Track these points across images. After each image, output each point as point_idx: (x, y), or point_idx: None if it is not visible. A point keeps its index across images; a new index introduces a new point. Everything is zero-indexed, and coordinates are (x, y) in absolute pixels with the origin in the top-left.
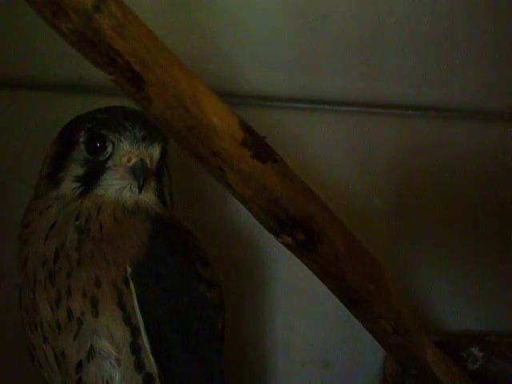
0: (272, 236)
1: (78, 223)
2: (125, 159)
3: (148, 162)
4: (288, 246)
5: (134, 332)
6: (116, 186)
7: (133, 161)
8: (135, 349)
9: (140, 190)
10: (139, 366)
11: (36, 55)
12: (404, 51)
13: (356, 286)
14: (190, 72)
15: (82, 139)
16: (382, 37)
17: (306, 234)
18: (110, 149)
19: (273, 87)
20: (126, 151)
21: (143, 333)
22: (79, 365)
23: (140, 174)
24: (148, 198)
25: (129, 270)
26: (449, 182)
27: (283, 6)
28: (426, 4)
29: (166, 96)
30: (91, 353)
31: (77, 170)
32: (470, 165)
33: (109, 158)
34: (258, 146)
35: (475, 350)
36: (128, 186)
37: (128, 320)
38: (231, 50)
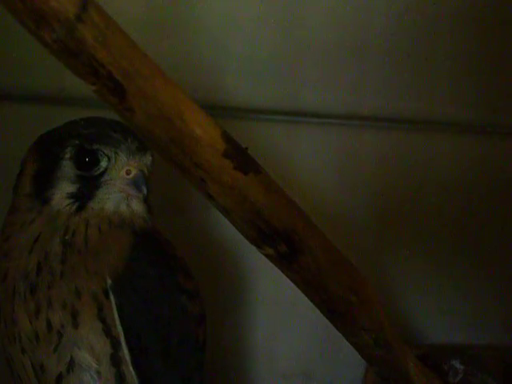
0: (254, 247)
1: (67, 238)
2: (123, 172)
3: (146, 171)
4: (270, 257)
5: (115, 344)
6: (114, 200)
7: (133, 173)
8: (116, 361)
9: (145, 201)
10: (120, 378)
11: (16, 67)
12: (387, 64)
13: (338, 297)
14: (172, 83)
15: (68, 156)
16: (365, 49)
17: (288, 245)
18: (104, 163)
19: (255, 99)
20: (124, 164)
21: (123, 345)
22: (59, 377)
23: (142, 185)
24: (141, 208)
25: (109, 281)
26: (431, 194)
27: (266, 18)
28: (408, 16)
29: (148, 107)
30: (71, 365)
31: (68, 186)
32: (453, 178)
33: (104, 172)
34: (241, 158)
35: (456, 363)
36: (125, 199)
37: (108, 332)
38: (214, 61)
